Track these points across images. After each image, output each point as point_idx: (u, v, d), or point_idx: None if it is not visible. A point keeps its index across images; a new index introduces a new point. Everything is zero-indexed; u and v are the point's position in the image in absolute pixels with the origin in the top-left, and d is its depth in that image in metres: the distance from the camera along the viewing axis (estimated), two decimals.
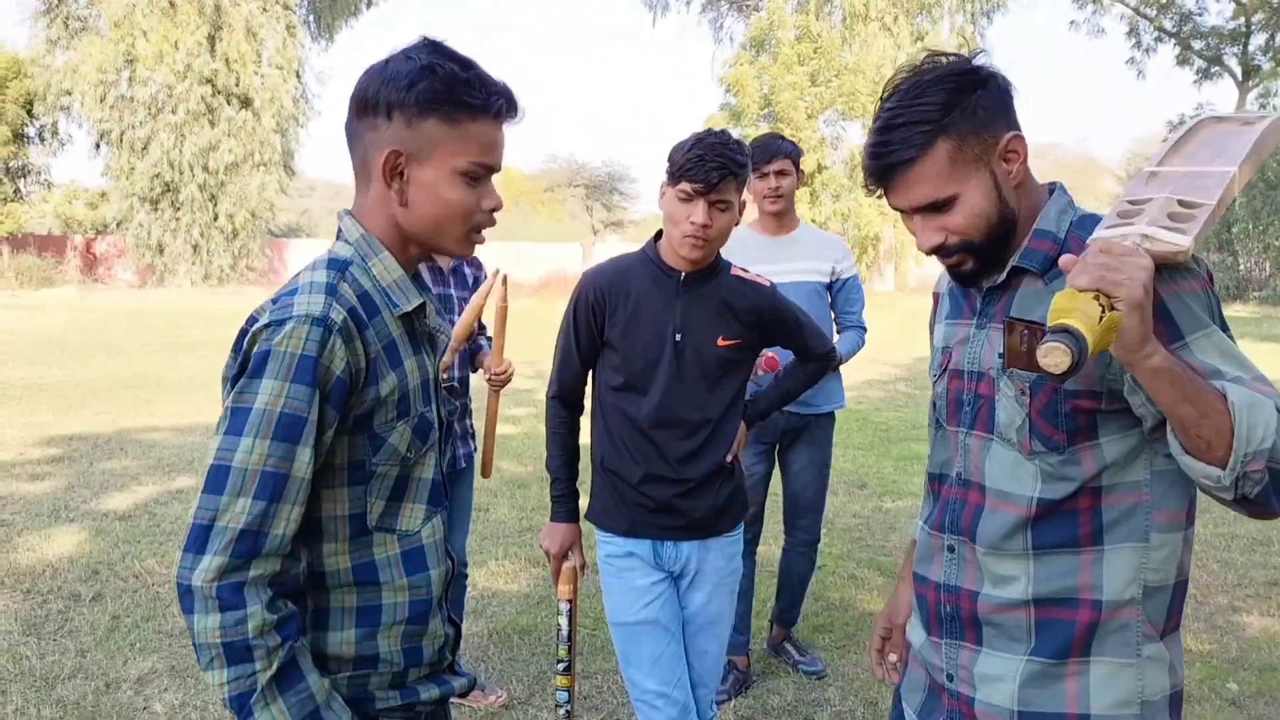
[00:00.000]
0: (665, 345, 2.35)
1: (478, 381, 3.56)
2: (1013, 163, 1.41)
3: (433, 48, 1.37)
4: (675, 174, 2.28)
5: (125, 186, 30.43)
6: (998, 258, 1.45)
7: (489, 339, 3.54)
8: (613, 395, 2.41)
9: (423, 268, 1.93)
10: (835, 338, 3.70)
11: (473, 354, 3.50)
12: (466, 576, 3.79)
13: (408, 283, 1.42)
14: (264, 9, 31.15)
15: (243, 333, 1.34)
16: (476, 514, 5.94)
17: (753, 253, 3.44)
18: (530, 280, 31.36)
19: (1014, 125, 1.42)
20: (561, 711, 2.43)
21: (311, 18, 35.05)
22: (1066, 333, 1.15)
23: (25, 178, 34.66)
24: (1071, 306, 1.19)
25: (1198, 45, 36.83)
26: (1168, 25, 37.54)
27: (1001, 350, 1.43)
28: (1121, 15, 38.76)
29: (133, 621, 4.21)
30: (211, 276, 31.10)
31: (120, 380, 11.55)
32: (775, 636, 4.02)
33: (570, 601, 2.46)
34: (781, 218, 3.64)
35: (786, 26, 31.81)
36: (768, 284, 2.49)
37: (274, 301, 1.34)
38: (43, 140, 34.07)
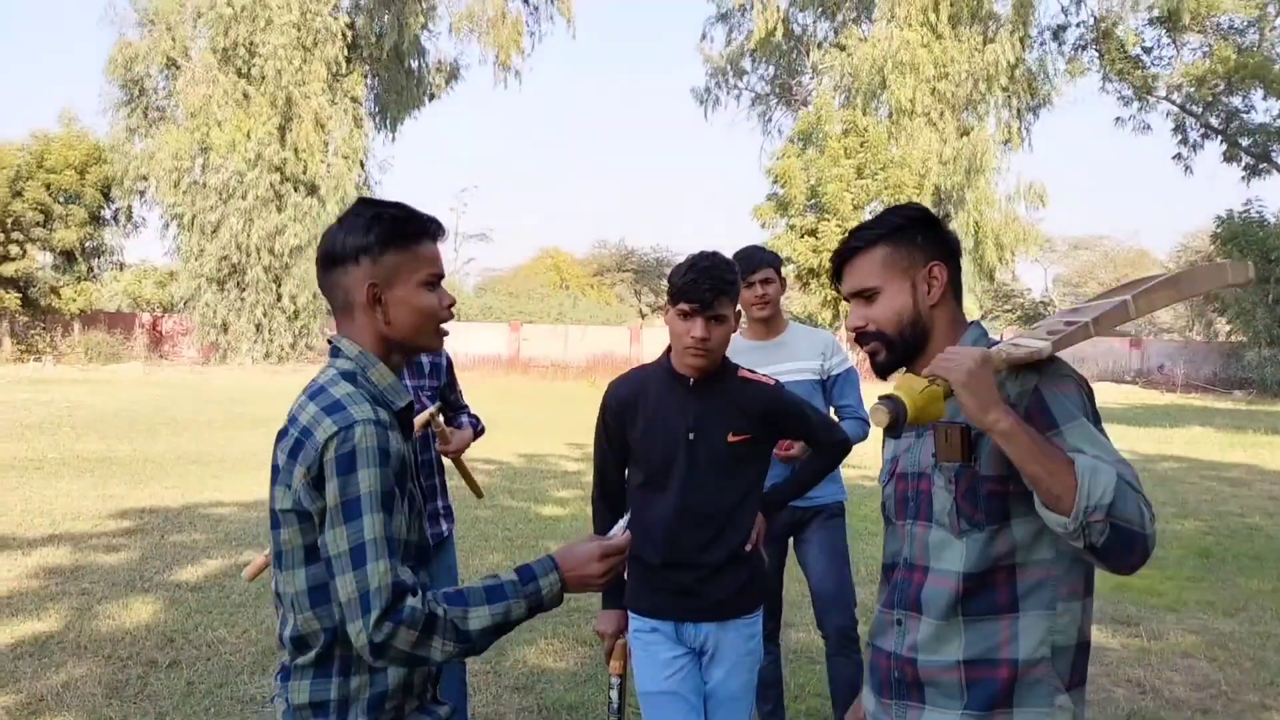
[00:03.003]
0: (679, 444, 2.62)
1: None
2: (933, 287, 1.80)
3: (371, 203, 1.78)
4: (674, 295, 2.58)
5: (194, 268, 31.75)
6: (907, 357, 1.82)
7: (473, 419, 3.72)
8: (638, 491, 2.70)
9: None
10: None
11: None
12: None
13: (398, 385, 1.77)
14: (333, 101, 32.68)
15: (297, 443, 1.65)
16: None
17: (745, 357, 3.44)
18: (578, 361, 31.85)
19: (943, 260, 1.82)
20: None
21: (377, 110, 36.61)
22: (889, 398, 1.60)
23: (99, 257, 35.99)
24: (901, 383, 1.62)
25: (1245, 142, 36.96)
26: (1214, 122, 37.72)
27: (934, 450, 1.75)
28: (1168, 112, 39.03)
29: (206, 688, 4.50)
30: (273, 355, 32.09)
31: (187, 455, 12.04)
32: None
33: (620, 676, 2.72)
34: (769, 322, 3.79)
35: (834, 121, 32.56)
36: (772, 382, 2.76)
37: (325, 414, 1.64)
38: (117, 222, 35.49)
